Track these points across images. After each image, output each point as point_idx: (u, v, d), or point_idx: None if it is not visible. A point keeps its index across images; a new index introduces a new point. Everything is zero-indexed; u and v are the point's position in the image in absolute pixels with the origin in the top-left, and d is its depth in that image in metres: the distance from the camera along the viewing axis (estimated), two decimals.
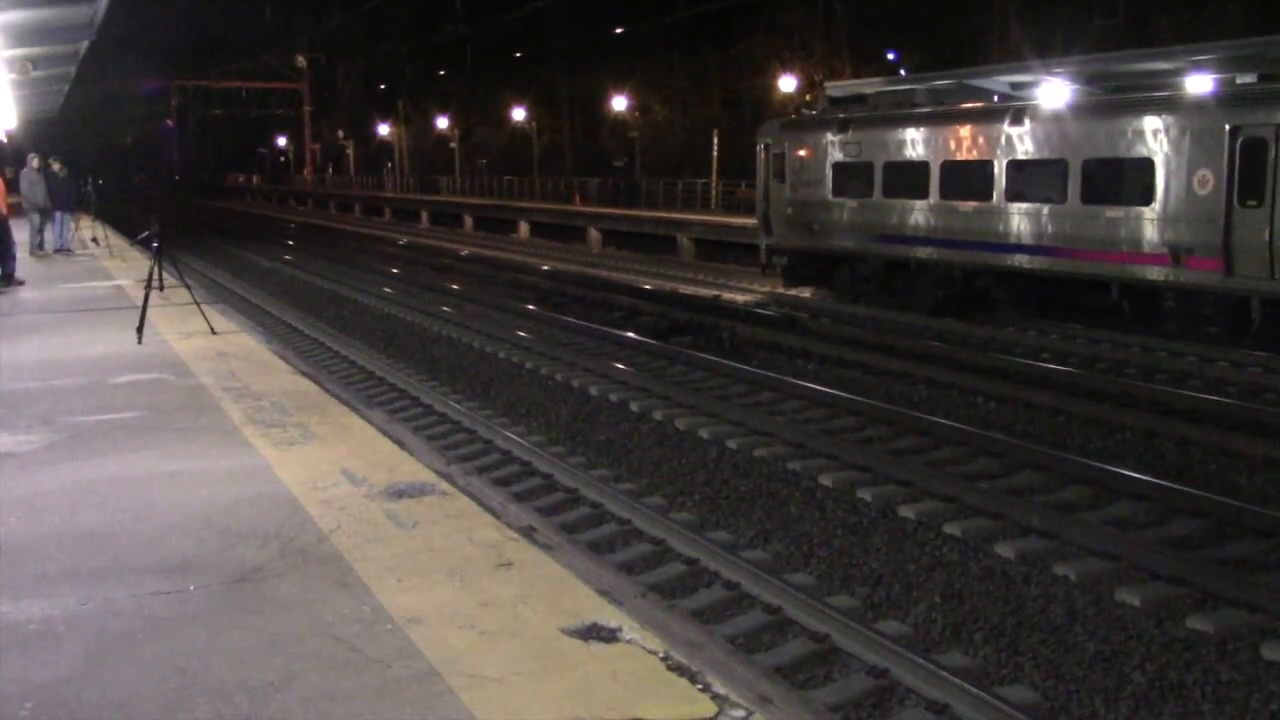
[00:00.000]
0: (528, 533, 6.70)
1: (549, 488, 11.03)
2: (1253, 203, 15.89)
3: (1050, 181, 18.76)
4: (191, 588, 5.33)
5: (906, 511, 10.02)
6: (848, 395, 14.23)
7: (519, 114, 68.25)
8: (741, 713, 4.14)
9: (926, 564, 8.93)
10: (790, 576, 8.59)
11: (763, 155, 25.18)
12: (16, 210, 25.25)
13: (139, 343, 12.36)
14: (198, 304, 14.42)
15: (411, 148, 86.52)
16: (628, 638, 4.70)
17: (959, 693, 6.50)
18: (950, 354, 17.17)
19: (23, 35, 16.82)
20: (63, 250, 25.82)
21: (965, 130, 20.41)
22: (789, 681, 6.96)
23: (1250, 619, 7.60)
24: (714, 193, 46.01)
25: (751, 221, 28.80)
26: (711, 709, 4.16)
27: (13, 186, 25.59)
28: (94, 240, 28.47)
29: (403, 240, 48.32)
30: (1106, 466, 10.91)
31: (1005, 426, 13.06)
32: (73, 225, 27.51)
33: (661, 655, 4.54)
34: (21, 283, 19.26)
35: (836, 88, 27.21)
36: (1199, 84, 17.87)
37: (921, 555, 9.11)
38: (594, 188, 54.60)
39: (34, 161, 24.76)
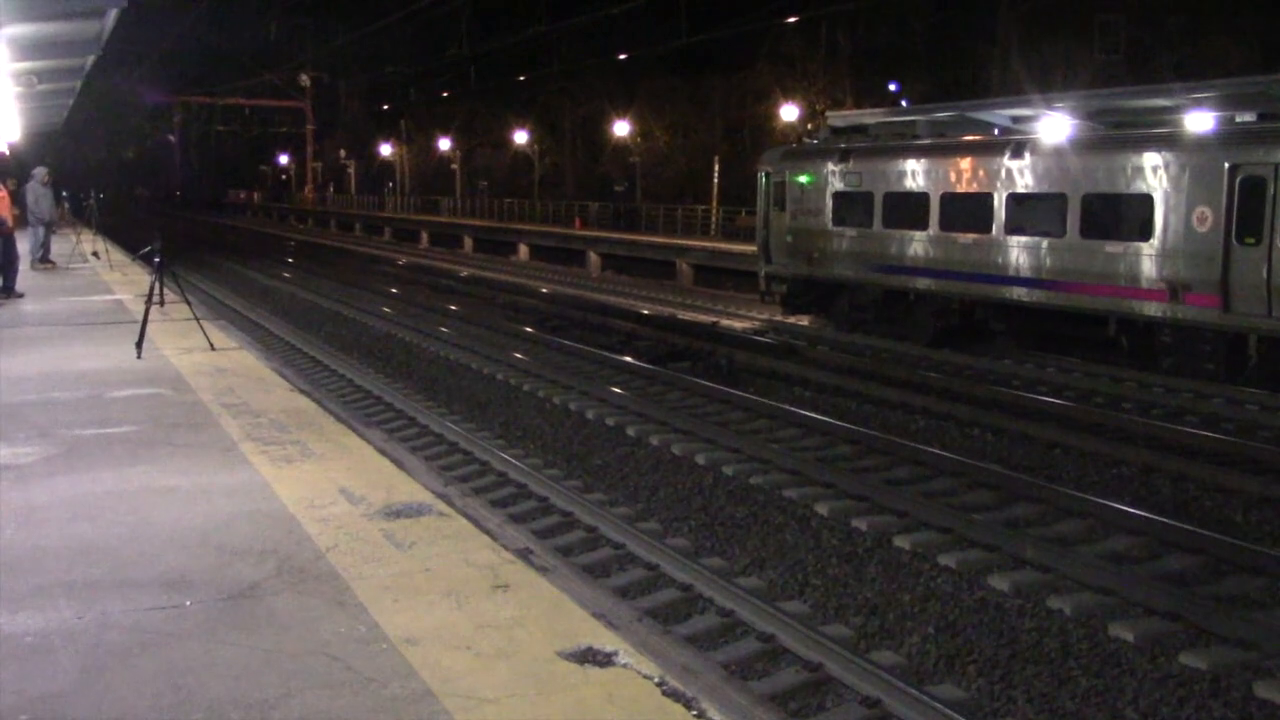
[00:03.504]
0: (524, 555, 6.71)
1: (545, 510, 11.04)
2: (1251, 240, 15.95)
3: (1050, 215, 18.83)
4: (188, 603, 5.33)
5: (901, 542, 10.02)
6: (844, 424, 14.25)
7: (521, 137, 68.48)
8: None
9: (921, 595, 8.93)
10: (784, 604, 8.60)
11: (763, 183, 25.28)
12: (19, 222, 25.25)
13: (138, 357, 12.37)
14: (197, 320, 14.43)
15: (413, 168, 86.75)
16: (623, 662, 4.70)
17: None
18: (947, 385, 17.19)
19: (30, 49, 16.88)
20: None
21: (965, 162, 20.50)
22: (783, 710, 6.96)
23: (1244, 656, 7.60)
24: (714, 219, 46.14)
25: (751, 248, 28.91)
26: None
27: (15, 198, 25.57)
28: (94, 254, 28.50)
29: (402, 260, 48.40)
30: (1102, 501, 10.93)
31: (1001, 459, 13.08)
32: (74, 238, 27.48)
33: (657, 680, 4.54)
34: (21, 295, 19.27)
35: (838, 117, 27.35)
36: (1199, 121, 17.97)
37: (916, 586, 9.11)
38: (594, 212, 54.73)
39: (41, 175, 24.79)
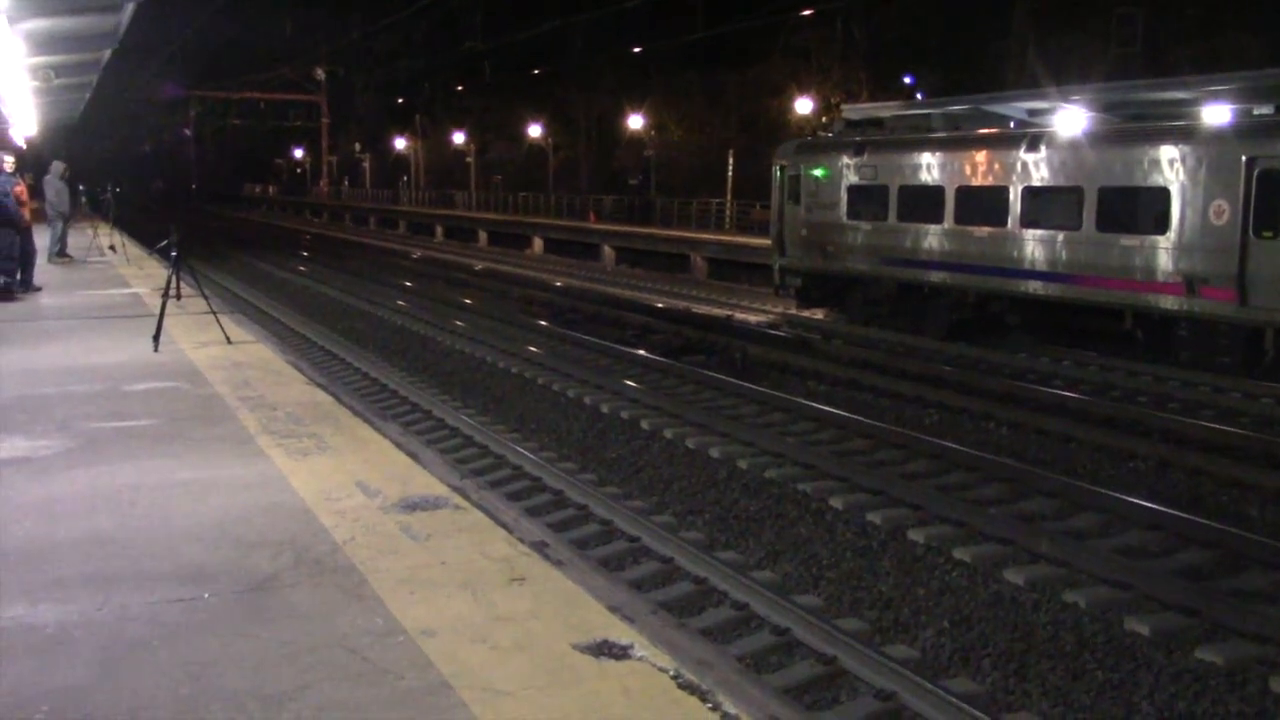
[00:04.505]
0: (540, 548, 6.74)
1: (560, 504, 11.05)
2: (1268, 234, 15.89)
3: (1065, 208, 18.78)
4: (206, 595, 5.37)
5: (916, 535, 10.02)
6: (859, 418, 14.24)
7: (535, 130, 68.48)
8: None
9: (935, 588, 8.93)
10: (799, 598, 8.60)
11: (778, 177, 25.25)
12: (37, 216, 25.35)
13: (155, 351, 12.43)
14: (214, 313, 14.49)
15: (428, 162, 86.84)
16: (639, 655, 4.72)
17: (967, 718, 6.50)
18: (962, 378, 17.17)
19: (47, 43, 16.96)
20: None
21: (981, 156, 20.44)
22: (798, 703, 6.97)
23: (1260, 651, 7.59)
24: (728, 213, 46.10)
25: (765, 242, 28.88)
26: None
27: (33, 192, 25.68)
28: (111, 248, 28.62)
29: (417, 254, 48.49)
30: (1117, 495, 10.90)
31: (1016, 452, 13.06)
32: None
33: (672, 673, 4.56)
34: (39, 289, 19.36)
35: (853, 111, 27.29)
36: (1216, 114, 17.90)
37: (930, 580, 9.12)
38: (609, 205, 54.72)
39: (59, 169, 24.88)
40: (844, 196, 23.26)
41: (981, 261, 20.25)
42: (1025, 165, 19.42)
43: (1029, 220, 19.39)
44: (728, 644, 7.81)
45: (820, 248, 23.93)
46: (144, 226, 40.32)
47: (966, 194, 20.61)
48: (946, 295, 21.23)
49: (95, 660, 4.67)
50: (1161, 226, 17.21)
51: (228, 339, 13.39)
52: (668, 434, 13.72)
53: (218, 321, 14.00)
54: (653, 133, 59.36)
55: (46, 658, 4.69)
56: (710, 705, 4.33)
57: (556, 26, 47.69)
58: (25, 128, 31.89)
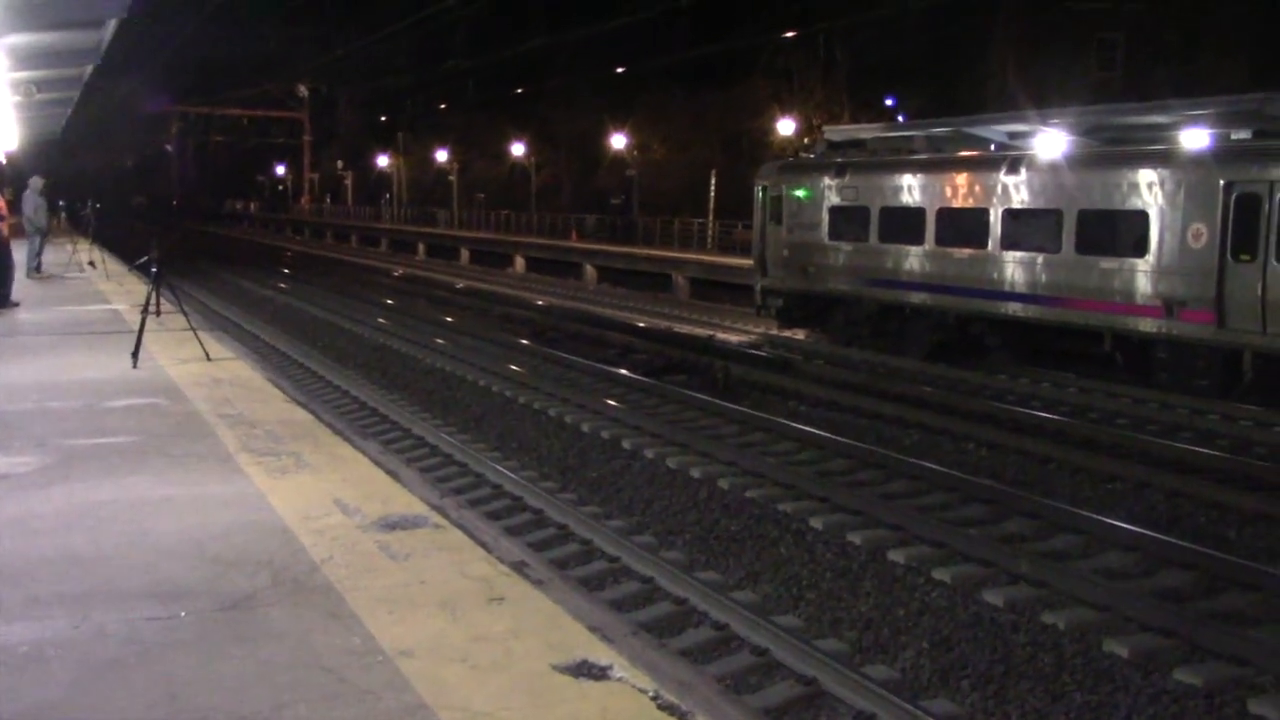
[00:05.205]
0: (520, 568, 6.71)
1: (540, 523, 11.03)
2: (1246, 257, 16.01)
3: (1045, 231, 18.89)
4: (183, 614, 5.32)
5: (896, 556, 10.03)
6: (839, 438, 14.26)
7: (518, 149, 68.54)
8: None
9: (915, 609, 8.93)
10: (779, 618, 8.60)
11: (760, 197, 25.33)
12: (16, 231, 25.21)
13: (134, 367, 12.36)
14: (194, 330, 14.42)
15: (410, 179, 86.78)
16: (618, 675, 4.69)
17: None
18: (942, 399, 17.21)
19: (29, 58, 16.90)
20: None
21: (962, 178, 20.55)
22: None
23: (1238, 673, 7.61)
24: (711, 233, 46.19)
25: (747, 262, 28.96)
26: None
27: (12, 207, 25.56)
28: (90, 264, 28.49)
29: (399, 271, 48.42)
30: (1096, 516, 10.94)
31: (996, 473, 13.09)
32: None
33: (651, 694, 4.54)
34: (17, 304, 19.24)
35: (835, 132, 27.40)
36: (1195, 138, 18.04)
37: (910, 600, 9.12)
38: (591, 224, 54.77)
39: (37, 185, 24.78)
40: (826, 217, 23.35)
41: (962, 283, 20.34)
42: (1005, 188, 19.53)
43: (1009, 242, 19.50)
44: (707, 665, 7.80)
45: (802, 268, 24.00)
46: (124, 242, 40.14)
47: (947, 216, 20.71)
48: (927, 316, 21.31)
49: (70, 679, 4.62)
50: (1140, 249, 17.33)
51: (207, 356, 13.33)
52: (649, 454, 13.71)
53: (197, 338, 13.94)
54: (635, 152, 59.47)
55: (20, 676, 4.64)
56: None
57: (540, 46, 47.82)
58: (6, 142, 31.73)
